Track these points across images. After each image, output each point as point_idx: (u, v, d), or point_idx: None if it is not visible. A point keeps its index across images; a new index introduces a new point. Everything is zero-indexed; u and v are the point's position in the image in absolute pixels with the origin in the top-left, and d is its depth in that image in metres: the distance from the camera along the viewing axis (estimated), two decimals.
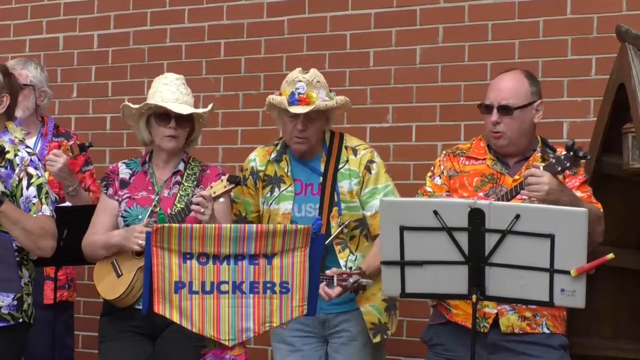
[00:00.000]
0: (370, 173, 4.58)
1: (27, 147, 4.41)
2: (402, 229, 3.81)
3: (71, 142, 5.35)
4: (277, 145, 4.71)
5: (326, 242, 4.45)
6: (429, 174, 4.41)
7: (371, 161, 4.60)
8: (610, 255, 3.76)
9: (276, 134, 6.12)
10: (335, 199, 4.55)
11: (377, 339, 4.56)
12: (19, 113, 5.30)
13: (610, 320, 4.71)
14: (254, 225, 3.91)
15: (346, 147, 4.63)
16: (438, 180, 4.35)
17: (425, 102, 5.74)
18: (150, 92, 4.68)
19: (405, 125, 5.63)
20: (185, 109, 4.59)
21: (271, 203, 4.62)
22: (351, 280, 4.33)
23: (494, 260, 3.77)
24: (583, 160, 4.07)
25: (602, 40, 5.28)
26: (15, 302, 4.29)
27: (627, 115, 4.39)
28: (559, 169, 3.99)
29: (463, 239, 3.77)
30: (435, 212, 3.77)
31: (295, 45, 6.08)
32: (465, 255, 3.78)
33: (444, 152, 4.44)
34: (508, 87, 4.25)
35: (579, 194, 4.15)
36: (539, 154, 4.25)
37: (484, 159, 4.31)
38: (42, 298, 5.27)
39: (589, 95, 5.31)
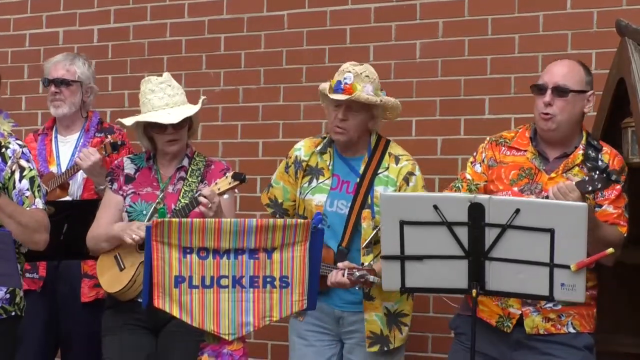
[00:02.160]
0: (408, 185, 4.55)
1: (17, 139, 4.39)
2: (402, 223, 3.81)
3: (106, 140, 5.32)
4: (324, 138, 4.69)
5: (363, 245, 4.47)
6: (471, 159, 4.39)
7: (411, 173, 4.57)
8: (610, 250, 3.77)
9: (277, 128, 6.14)
10: (369, 202, 4.53)
11: (374, 349, 4.52)
12: (65, 109, 5.29)
13: (610, 314, 4.71)
14: (254, 219, 3.92)
15: (390, 154, 4.61)
16: (478, 168, 4.33)
17: (425, 96, 5.74)
18: (140, 99, 4.67)
19: (405, 119, 5.62)
20: (176, 117, 4.57)
21: (307, 193, 4.61)
22: (357, 273, 4.33)
23: (494, 255, 3.77)
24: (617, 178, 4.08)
25: (602, 35, 5.28)
26: (7, 296, 4.29)
27: (627, 110, 4.39)
28: (590, 189, 3.97)
29: (463, 233, 3.77)
30: (435, 207, 3.77)
31: (295, 40, 6.08)
32: (465, 249, 3.78)
33: (488, 138, 4.41)
34: (564, 70, 4.24)
35: (610, 209, 4.15)
36: (581, 152, 4.22)
37: (525, 151, 4.27)
38: (80, 296, 5.18)
39: None
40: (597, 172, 3.99)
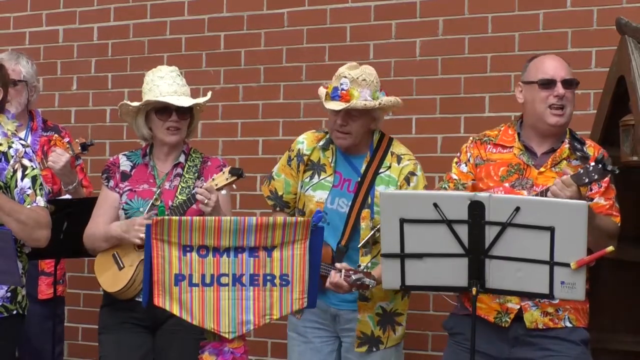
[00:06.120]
0: (409, 185, 4.55)
1: (21, 139, 4.42)
2: (402, 221, 3.81)
3: (68, 140, 5.33)
4: (327, 133, 4.67)
5: (359, 245, 4.47)
6: (455, 160, 4.37)
7: (412, 173, 4.56)
8: (610, 248, 3.77)
9: (277, 127, 6.14)
10: (369, 202, 4.53)
11: (362, 349, 4.54)
12: (12, 109, 5.31)
13: (609, 312, 4.71)
14: (254, 217, 3.92)
15: (392, 153, 4.59)
16: (464, 168, 4.32)
17: (425, 94, 5.74)
18: (146, 87, 4.66)
19: (405, 117, 5.63)
20: (187, 101, 4.59)
21: (308, 188, 4.60)
22: (354, 277, 4.33)
23: (494, 253, 3.77)
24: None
25: (602, 33, 5.28)
26: (8, 294, 4.29)
27: (626, 108, 4.39)
28: (586, 180, 3.96)
29: (463, 231, 3.77)
30: (435, 205, 3.77)
31: (295, 38, 6.08)
32: (465, 247, 3.78)
33: (471, 137, 4.40)
34: (563, 64, 4.25)
35: (602, 201, 4.15)
36: (567, 145, 4.21)
37: (512, 147, 4.26)
38: (37, 293, 5.28)
39: (588, 87, 5.30)
40: (593, 164, 3.98)
